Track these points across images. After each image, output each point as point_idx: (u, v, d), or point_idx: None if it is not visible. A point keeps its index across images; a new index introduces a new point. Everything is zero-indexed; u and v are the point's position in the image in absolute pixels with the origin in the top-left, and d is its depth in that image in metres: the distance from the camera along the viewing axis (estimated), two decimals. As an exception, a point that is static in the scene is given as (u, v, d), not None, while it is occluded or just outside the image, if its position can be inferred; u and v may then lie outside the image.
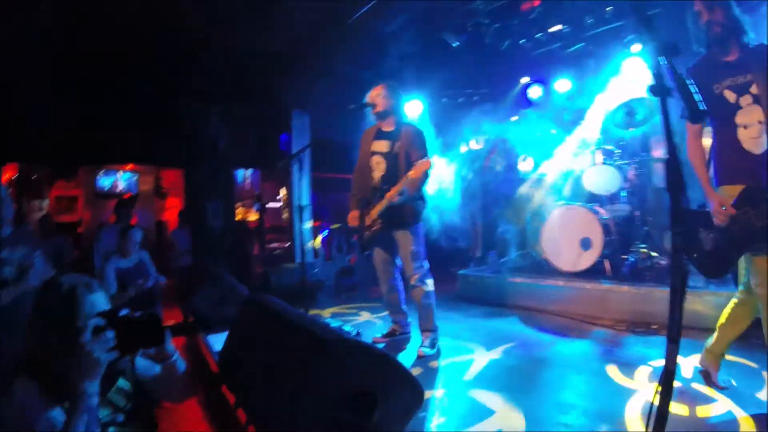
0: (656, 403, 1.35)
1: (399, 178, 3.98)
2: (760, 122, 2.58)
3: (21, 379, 1.53)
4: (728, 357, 3.13)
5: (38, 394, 1.51)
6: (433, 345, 4.12)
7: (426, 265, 4.25)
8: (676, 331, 1.34)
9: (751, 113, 2.61)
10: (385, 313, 4.79)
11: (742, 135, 2.64)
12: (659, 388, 1.35)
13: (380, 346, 4.32)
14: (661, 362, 3.43)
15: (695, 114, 1.94)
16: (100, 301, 1.63)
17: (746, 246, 2.58)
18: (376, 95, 4.22)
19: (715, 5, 2.65)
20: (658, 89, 1.33)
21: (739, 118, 2.65)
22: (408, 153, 4.08)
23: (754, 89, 2.59)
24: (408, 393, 2.03)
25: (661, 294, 4.49)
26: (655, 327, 4.23)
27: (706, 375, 3.11)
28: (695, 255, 2.75)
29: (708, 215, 2.65)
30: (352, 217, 4.36)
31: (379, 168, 4.25)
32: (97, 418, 1.49)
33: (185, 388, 1.95)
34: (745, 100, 2.62)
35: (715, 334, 3.02)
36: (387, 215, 4.11)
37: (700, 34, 2.76)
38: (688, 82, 1.40)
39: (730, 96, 2.65)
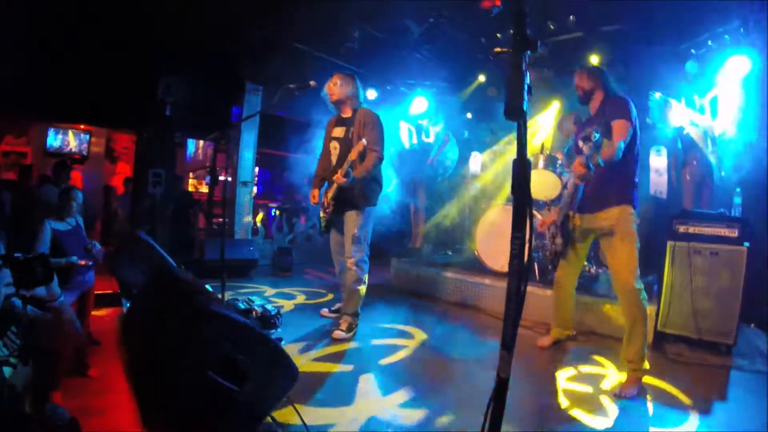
0: (488, 413, 1.32)
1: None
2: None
3: None
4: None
5: None
6: (350, 329, 4.21)
7: (366, 251, 4.37)
8: (511, 338, 1.32)
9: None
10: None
11: None
12: (492, 398, 1.33)
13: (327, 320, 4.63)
14: (572, 369, 3.54)
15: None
16: None
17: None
18: (332, 84, 4.35)
19: (584, 74, 3.65)
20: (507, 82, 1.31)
21: None
22: (359, 137, 4.17)
23: (594, 138, 3.24)
24: (282, 373, 2.11)
25: (585, 303, 4.61)
26: (573, 334, 4.28)
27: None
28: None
29: None
30: (311, 196, 4.54)
31: (335, 153, 4.41)
32: None
33: (68, 335, 2.14)
34: (588, 147, 3.23)
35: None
36: (338, 197, 4.28)
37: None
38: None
39: (582, 146, 3.29)
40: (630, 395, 3.16)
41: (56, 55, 6.48)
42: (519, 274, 1.30)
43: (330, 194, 4.30)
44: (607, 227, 3.49)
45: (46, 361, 2.06)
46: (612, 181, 3.46)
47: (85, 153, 10.55)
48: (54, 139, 10.15)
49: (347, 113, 4.42)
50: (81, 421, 2.11)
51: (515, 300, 1.31)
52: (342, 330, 4.15)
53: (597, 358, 3.90)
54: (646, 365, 3.28)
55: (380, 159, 4.24)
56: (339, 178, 4.09)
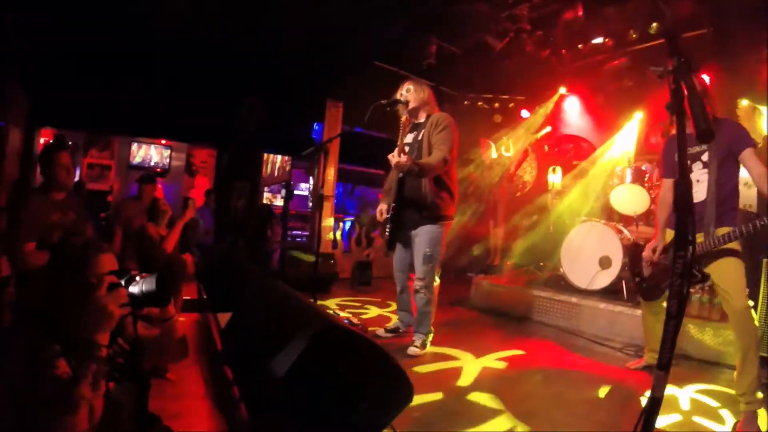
0: (638, 429, 1.30)
1: None
2: (697, 181, 3.21)
3: (31, 331, 1.57)
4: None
5: (47, 344, 1.53)
6: (423, 346, 4.04)
7: (435, 270, 4.15)
8: (668, 358, 1.30)
9: (696, 174, 3.25)
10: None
11: None
12: (643, 417, 1.31)
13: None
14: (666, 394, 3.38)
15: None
16: (110, 261, 1.70)
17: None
18: (407, 92, 4.17)
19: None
20: (675, 107, 1.29)
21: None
22: (429, 141, 4.04)
23: (704, 157, 3.21)
24: (397, 388, 2.03)
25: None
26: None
27: None
28: (638, 279, 3.75)
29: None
30: (379, 211, 4.33)
31: None
32: (104, 369, 1.56)
33: (179, 351, 2.10)
34: (696, 166, 3.26)
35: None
36: (403, 212, 4.09)
37: None
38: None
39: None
40: None
41: (141, 73, 6.83)
42: (680, 294, 1.27)
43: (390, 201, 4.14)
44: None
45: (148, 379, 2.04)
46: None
47: (166, 167, 11.08)
48: (136, 154, 10.74)
49: (421, 119, 4.23)
50: (156, 423, 2.10)
51: (675, 321, 1.28)
52: (416, 347, 4.00)
53: (691, 384, 3.70)
54: (760, 395, 2.98)
55: (445, 159, 3.92)
56: (394, 156, 3.79)
